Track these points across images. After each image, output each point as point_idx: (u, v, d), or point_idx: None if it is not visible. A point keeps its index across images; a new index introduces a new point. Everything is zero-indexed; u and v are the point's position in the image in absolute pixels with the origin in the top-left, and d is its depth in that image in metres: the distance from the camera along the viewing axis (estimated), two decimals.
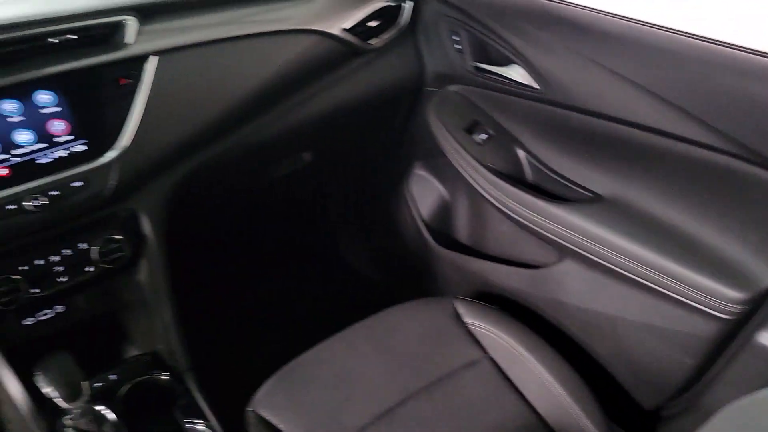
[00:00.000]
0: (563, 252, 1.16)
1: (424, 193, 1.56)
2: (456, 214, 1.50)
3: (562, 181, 1.17)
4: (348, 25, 1.21)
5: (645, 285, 1.02)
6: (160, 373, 1.11)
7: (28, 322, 1.09)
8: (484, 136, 1.27)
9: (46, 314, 1.10)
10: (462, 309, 1.19)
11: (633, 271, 1.03)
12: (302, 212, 1.96)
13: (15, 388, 1.01)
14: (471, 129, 1.28)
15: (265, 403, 1.04)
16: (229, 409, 1.10)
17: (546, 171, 1.19)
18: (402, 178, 1.60)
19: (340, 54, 1.24)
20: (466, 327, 1.16)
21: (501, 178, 1.20)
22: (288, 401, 1.04)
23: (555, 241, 1.13)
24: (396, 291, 1.75)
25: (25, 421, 1.01)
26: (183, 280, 1.18)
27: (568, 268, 1.17)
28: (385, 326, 1.17)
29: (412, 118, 1.47)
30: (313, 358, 1.11)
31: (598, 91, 1.05)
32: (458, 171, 1.30)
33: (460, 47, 1.26)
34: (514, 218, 1.19)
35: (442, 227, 1.54)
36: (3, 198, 0.90)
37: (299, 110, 1.24)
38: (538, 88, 1.13)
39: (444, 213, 1.53)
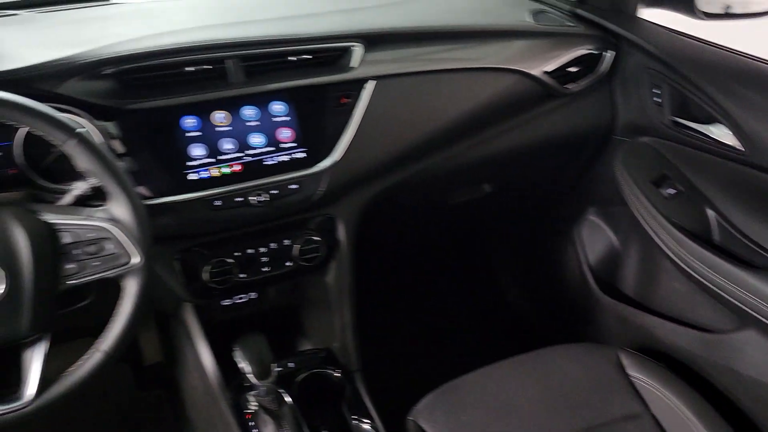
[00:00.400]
0: (745, 319, 1.12)
1: (594, 239, 1.55)
2: (626, 264, 1.48)
3: (753, 246, 1.13)
4: (550, 68, 1.25)
5: None
6: (333, 369, 1.19)
7: (226, 302, 1.22)
8: (672, 191, 1.25)
9: (241, 298, 1.22)
10: (626, 360, 1.17)
11: None
12: (473, 239, 2.02)
13: (208, 359, 1.13)
14: (659, 182, 1.26)
15: (425, 415, 1.09)
16: (387, 413, 1.16)
17: (736, 234, 1.15)
18: (572, 221, 1.60)
19: (537, 95, 1.28)
20: (629, 379, 1.14)
21: (686, 235, 1.18)
22: (447, 418, 1.08)
23: (738, 306, 1.09)
24: (551, 332, 1.75)
25: (212, 390, 1.12)
26: (362, 285, 1.27)
27: (749, 337, 1.12)
28: (546, 364, 1.18)
29: (594, 164, 1.48)
30: (473, 381, 1.15)
31: None
32: (637, 222, 1.29)
33: (659, 100, 1.26)
34: (694, 277, 1.16)
35: (608, 275, 1.53)
36: (234, 191, 1.03)
37: (491, 143, 1.30)
38: (742, 149, 1.10)
39: (612, 261, 1.51)
